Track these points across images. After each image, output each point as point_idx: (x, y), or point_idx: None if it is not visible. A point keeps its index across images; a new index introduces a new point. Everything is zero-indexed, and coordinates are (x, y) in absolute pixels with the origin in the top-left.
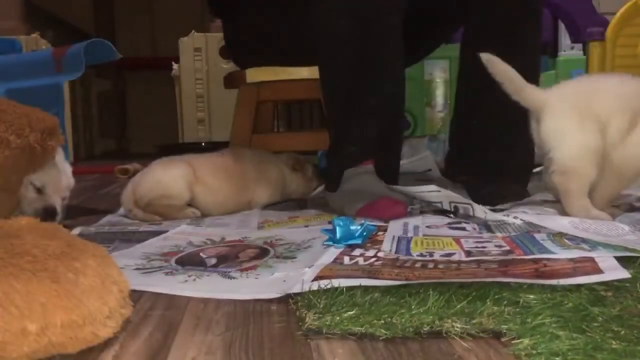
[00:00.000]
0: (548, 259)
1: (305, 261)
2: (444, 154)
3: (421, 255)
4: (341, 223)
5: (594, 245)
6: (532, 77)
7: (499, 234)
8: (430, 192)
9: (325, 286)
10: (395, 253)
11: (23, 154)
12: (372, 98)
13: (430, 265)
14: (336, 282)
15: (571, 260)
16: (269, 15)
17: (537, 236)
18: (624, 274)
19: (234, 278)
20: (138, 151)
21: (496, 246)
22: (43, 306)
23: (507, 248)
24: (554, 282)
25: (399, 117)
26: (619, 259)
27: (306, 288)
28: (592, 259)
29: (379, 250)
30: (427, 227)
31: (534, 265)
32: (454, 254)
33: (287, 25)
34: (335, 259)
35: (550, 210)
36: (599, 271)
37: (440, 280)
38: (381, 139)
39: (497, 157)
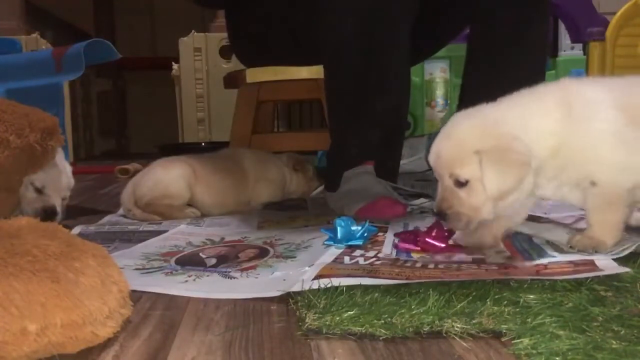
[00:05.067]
0: (549, 262)
1: (306, 261)
2: None
3: (422, 257)
4: (342, 223)
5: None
6: (538, 77)
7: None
8: (422, 204)
9: (326, 285)
10: (396, 256)
11: (23, 154)
12: (377, 102)
13: (431, 266)
14: (336, 281)
15: (571, 262)
16: (274, 9)
17: (536, 239)
18: (622, 269)
19: (234, 278)
20: (138, 151)
21: (497, 252)
22: (43, 306)
23: (508, 254)
24: (555, 277)
25: (402, 120)
26: (620, 260)
27: (306, 287)
28: (592, 262)
29: (380, 251)
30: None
31: (535, 268)
32: (455, 254)
33: (292, 20)
34: (336, 258)
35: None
36: (598, 270)
37: (441, 280)
38: (383, 140)
39: None
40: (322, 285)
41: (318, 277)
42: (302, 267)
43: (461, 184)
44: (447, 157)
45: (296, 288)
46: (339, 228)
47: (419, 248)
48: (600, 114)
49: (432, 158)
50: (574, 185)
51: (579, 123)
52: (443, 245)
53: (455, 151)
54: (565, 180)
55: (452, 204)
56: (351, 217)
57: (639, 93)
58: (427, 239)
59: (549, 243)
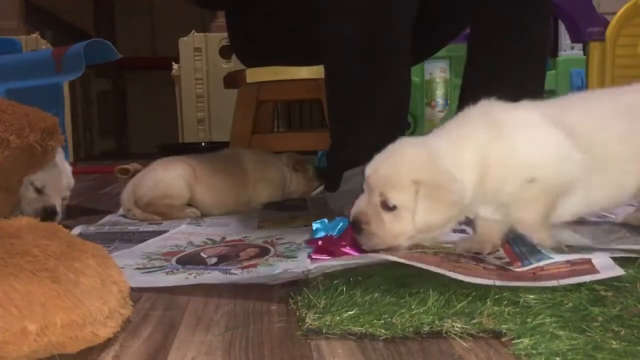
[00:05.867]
0: (545, 264)
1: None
2: None
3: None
4: (319, 226)
5: (591, 251)
6: (538, 77)
7: None
8: None
9: (325, 270)
10: None
11: (23, 154)
12: (377, 102)
13: (430, 252)
14: (335, 263)
15: (568, 262)
16: (275, 9)
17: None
18: (619, 271)
19: (234, 274)
20: (138, 151)
21: (496, 258)
22: (43, 306)
23: (507, 260)
24: (553, 283)
25: (402, 121)
26: (619, 260)
27: (305, 267)
28: (589, 261)
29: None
30: None
31: (532, 271)
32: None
33: (292, 20)
34: None
35: None
36: (595, 271)
37: (438, 270)
38: (383, 141)
39: None
40: (320, 268)
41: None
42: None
43: (388, 207)
44: (384, 175)
45: (297, 271)
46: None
47: (330, 257)
48: (529, 123)
49: (368, 170)
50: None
51: (509, 135)
52: (357, 254)
53: (394, 172)
54: (506, 199)
55: (370, 221)
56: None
57: (566, 114)
58: (342, 249)
59: None
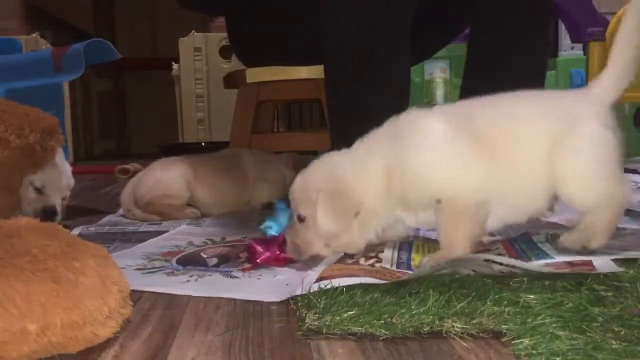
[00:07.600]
0: (545, 263)
1: (307, 262)
2: None
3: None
4: (272, 224)
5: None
6: (539, 77)
7: (498, 237)
8: None
9: (326, 286)
10: (397, 268)
11: (23, 154)
12: (377, 103)
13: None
14: (337, 282)
15: (569, 262)
16: (275, 12)
17: (535, 238)
18: (616, 268)
19: (236, 277)
20: (138, 151)
21: (497, 255)
22: (43, 306)
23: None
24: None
25: None
26: (619, 261)
27: (307, 289)
28: (589, 262)
29: (381, 251)
30: (427, 229)
31: None
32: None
33: (293, 24)
34: (337, 260)
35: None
36: (594, 269)
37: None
38: None
39: None
40: (323, 287)
41: (320, 279)
42: (305, 269)
43: (301, 219)
44: (296, 193)
45: (298, 292)
46: (280, 211)
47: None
48: (432, 136)
49: (290, 190)
50: (427, 207)
51: (409, 147)
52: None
53: (302, 188)
54: (416, 206)
55: (291, 234)
56: None
57: (477, 116)
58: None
59: (549, 241)
